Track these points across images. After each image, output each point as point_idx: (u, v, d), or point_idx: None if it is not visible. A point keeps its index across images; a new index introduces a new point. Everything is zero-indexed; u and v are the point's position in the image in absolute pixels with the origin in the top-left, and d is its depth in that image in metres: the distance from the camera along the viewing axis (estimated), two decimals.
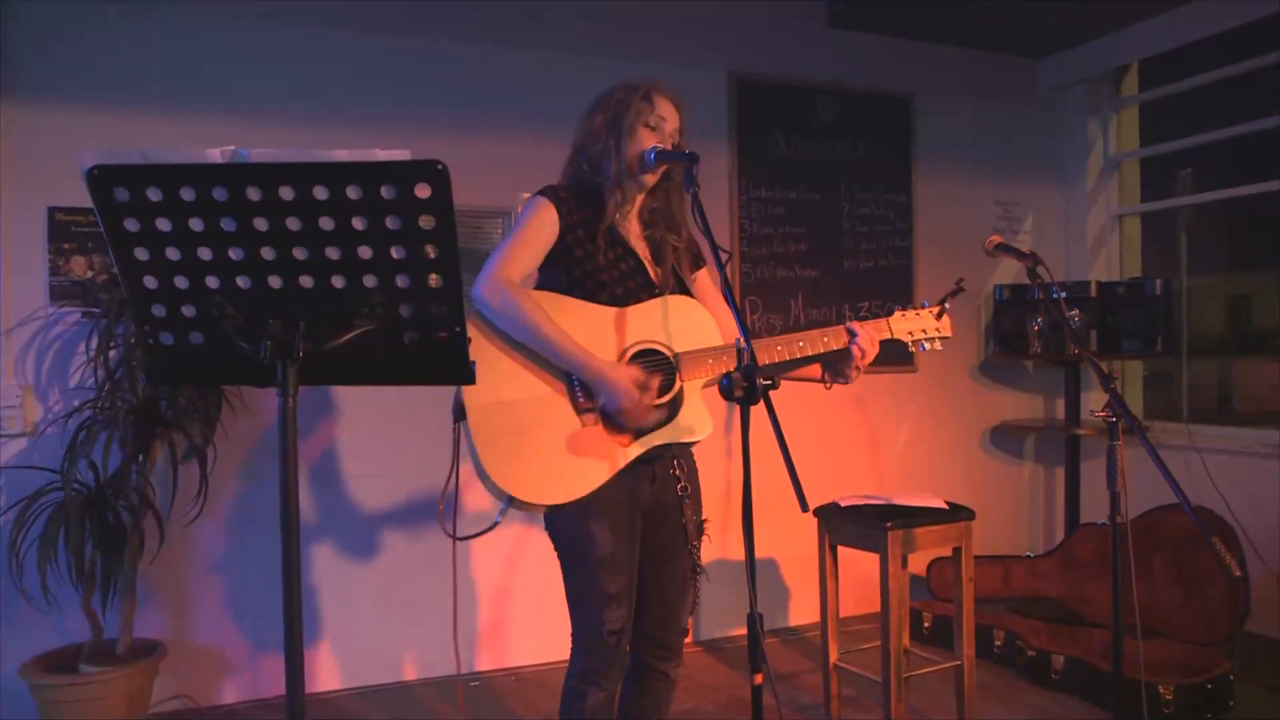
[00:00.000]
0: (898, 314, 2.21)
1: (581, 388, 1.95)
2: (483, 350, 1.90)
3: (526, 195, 3.66)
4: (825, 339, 2.09)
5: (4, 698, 3.05)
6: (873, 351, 2.09)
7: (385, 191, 1.24)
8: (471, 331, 1.85)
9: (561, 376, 1.96)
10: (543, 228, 2.01)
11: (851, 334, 2.08)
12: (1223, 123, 4.24)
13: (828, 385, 2.19)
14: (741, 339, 1.67)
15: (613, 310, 2.02)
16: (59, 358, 3.19)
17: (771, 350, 2.05)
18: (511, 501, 1.91)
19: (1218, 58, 4.19)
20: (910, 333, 2.20)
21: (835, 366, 2.15)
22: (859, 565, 3.42)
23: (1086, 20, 4.35)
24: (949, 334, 2.23)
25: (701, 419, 2.02)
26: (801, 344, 2.08)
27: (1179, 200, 4.57)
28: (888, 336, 2.17)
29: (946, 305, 2.22)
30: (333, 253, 1.30)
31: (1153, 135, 4.69)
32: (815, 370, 2.19)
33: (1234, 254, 4.69)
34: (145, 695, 3.05)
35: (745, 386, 1.54)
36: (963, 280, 2.31)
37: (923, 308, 2.23)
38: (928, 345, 2.22)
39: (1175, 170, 4.62)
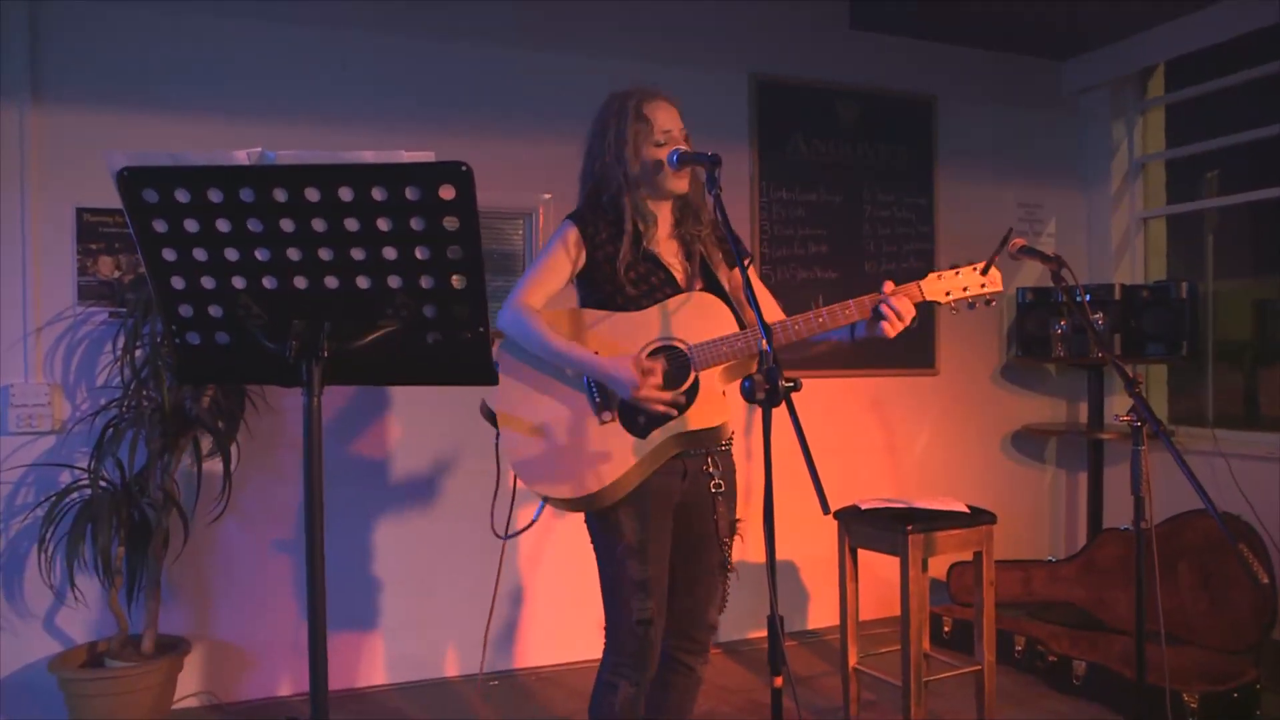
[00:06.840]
0: (931, 276, 2.06)
1: (598, 390, 2.02)
2: (514, 370, 2.08)
3: (548, 196, 3.73)
4: (847, 312, 2.00)
5: (35, 692, 3.09)
6: (906, 318, 1.98)
7: (410, 193, 1.25)
8: (504, 354, 2.07)
9: (580, 385, 2.04)
10: (566, 253, 2.10)
11: (881, 302, 1.97)
12: (1250, 124, 4.18)
13: (853, 338, 2.06)
14: (764, 341, 1.66)
15: (633, 315, 2.07)
16: (86, 357, 3.23)
17: (788, 330, 1.99)
18: (544, 500, 2.07)
19: (1246, 59, 4.14)
20: (948, 292, 2.05)
21: (865, 324, 2.04)
22: (879, 568, 3.41)
23: (1112, 21, 4.30)
24: (999, 288, 2.08)
25: (711, 409, 2.00)
26: (822, 319, 2.00)
27: (1205, 203, 4.51)
28: (920, 300, 2.02)
29: (995, 259, 2.05)
30: (358, 253, 1.31)
31: (1179, 137, 4.64)
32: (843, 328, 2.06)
33: (1260, 257, 4.62)
34: (170, 690, 3.09)
35: (767, 389, 1.53)
36: (1012, 230, 2.13)
37: (965, 265, 2.07)
38: (975, 304, 2.07)
39: (1201, 172, 4.56)
